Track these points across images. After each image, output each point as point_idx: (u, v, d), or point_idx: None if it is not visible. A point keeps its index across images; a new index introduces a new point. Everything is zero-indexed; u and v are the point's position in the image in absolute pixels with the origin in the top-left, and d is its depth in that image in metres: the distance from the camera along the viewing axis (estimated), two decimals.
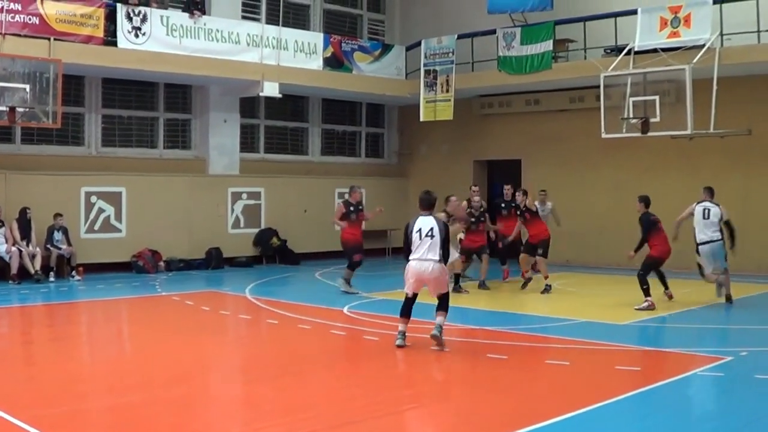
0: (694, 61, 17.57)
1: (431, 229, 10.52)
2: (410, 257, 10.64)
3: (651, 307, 13.97)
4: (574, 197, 20.35)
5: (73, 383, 9.17)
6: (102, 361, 10.72)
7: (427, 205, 10.77)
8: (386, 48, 24.20)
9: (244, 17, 22.01)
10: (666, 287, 15.01)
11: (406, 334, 10.61)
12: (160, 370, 9.72)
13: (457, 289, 15.66)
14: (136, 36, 18.74)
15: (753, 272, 18.27)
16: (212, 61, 19.90)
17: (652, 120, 17.80)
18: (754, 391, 8.65)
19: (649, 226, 14.57)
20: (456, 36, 22.50)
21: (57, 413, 7.82)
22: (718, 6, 18.29)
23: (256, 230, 22.30)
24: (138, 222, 19.92)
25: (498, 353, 10.49)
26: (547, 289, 15.98)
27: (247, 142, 23.16)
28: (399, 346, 10.48)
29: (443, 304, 10.70)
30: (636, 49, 18.97)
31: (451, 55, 22.44)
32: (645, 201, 14.90)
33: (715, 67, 17.65)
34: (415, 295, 10.76)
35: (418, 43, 23.31)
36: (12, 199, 18.08)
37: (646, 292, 14.15)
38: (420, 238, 10.53)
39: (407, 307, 10.70)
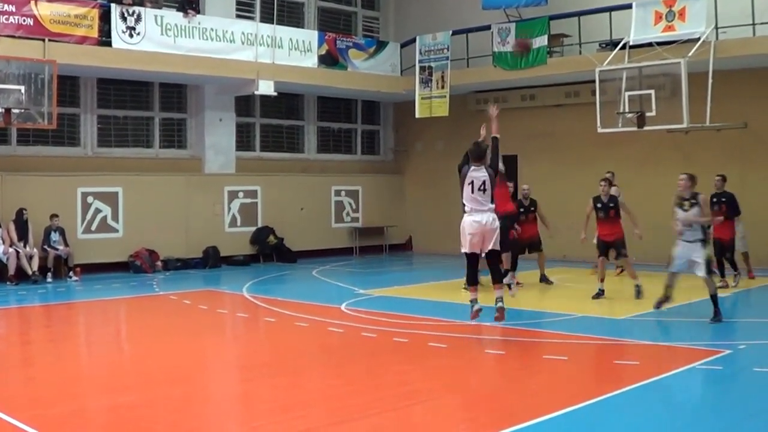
0: (690, 54, 17.58)
1: (483, 182, 10.59)
2: (467, 211, 10.63)
3: (724, 286, 15.13)
4: (569, 192, 20.32)
5: (71, 383, 9.18)
6: (100, 361, 10.71)
7: (477, 156, 10.74)
8: (381, 45, 24.19)
9: (238, 16, 21.99)
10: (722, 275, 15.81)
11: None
12: (159, 370, 9.72)
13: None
14: (131, 36, 18.72)
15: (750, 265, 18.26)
16: (207, 60, 19.88)
17: (647, 114, 17.83)
18: (752, 385, 8.67)
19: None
20: (450, 32, 22.50)
21: (56, 413, 7.81)
22: None
23: (253, 229, 22.30)
24: (135, 222, 19.91)
25: (496, 349, 10.50)
26: (641, 291, 14.39)
27: (243, 141, 23.16)
28: (479, 311, 10.73)
29: (498, 272, 10.91)
30: (631, 44, 18.97)
31: (445, 51, 22.44)
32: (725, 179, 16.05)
33: (710, 60, 17.66)
34: (476, 258, 10.78)
35: (413, 40, 23.30)
36: (8, 201, 18.07)
37: (723, 273, 15.54)
38: (473, 192, 10.58)
39: (474, 274, 10.83)
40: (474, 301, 10.79)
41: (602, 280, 14.63)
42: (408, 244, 25.82)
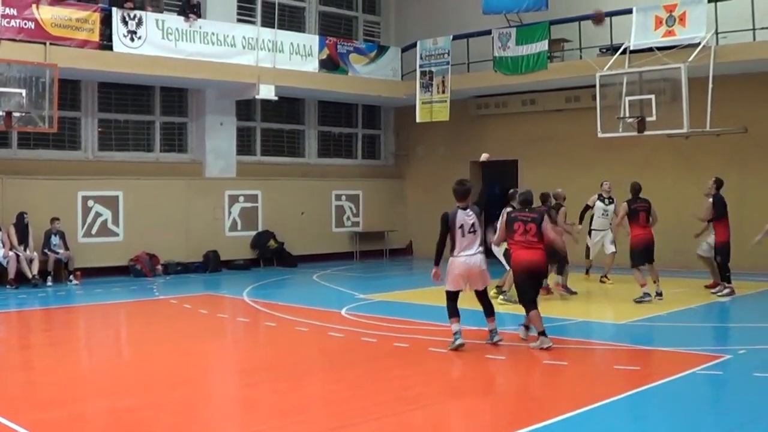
0: (690, 59, 17.58)
1: (473, 224, 10.46)
2: (455, 253, 10.48)
3: (732, 294, 14.98)
4: (570, 196, 20.31)
5: (71, 387, 9.17)
6: (100, 365, 10.71)
7: (462, 195, 10.58)
8: (382, 49, 24.21)
9: (239, 20, 22.01)
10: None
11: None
12: (159, 374, 9.72)
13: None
14: (132, 40, 18.73)
15: (749, 270, 18.26)
16: (208, 64, 19.90)
17: (648, 119, 17.83)
18: (752, 390, 8.65)
19: (723, 208, 15.38)
20: (451, 37, 22.51)
21: (56, 417, 7.81)
22: (713, 4, 18.31)
23: (254, 233, 22.29)
24: (135, 226, 19.91)
25: (496, 353, 10.49)
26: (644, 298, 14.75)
27: (244, 145, 23.16)
28: (461, 346, 10.40)
29: (490, 306, 10.82)
30: (631, 49, 18.98)
31: (446, 56, 22.45)
32: (718, 183, 15.61)
33: (710, 65, 17.66)
34: (458, 294, 10.68)
35: (414, 45, 23.32)
36: (9, 204, 18.07)
37: (728, 279, 15.17)
38: (463, 235, 10.43)
39: (455, 306, 10.63)
40: (457, 335, 10.49)
41: (643, 285, 14.65)
42: (408, 248, 25.82)
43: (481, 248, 10.57)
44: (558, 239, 10.98)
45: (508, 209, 14.87)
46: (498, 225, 14.40)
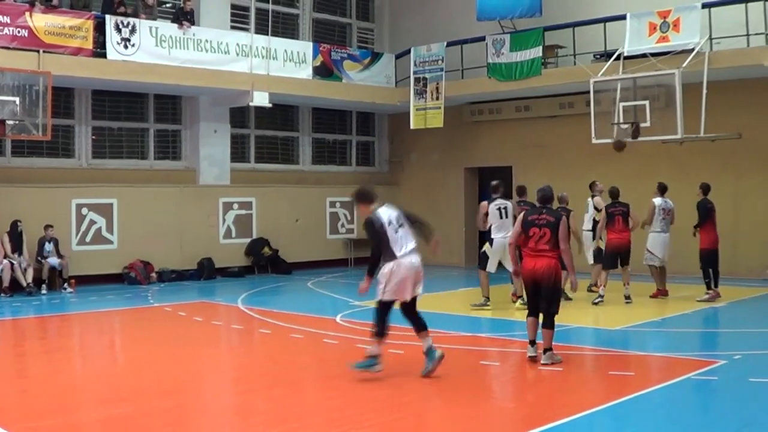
0: (684, 65, 17.62)
1: (397, 216, 9.57)
2: (399, 254, 9.38)
3: (713, 299, 15.04)
4: None
5: (66, 395, 9.15)
6: (95, 373, 10.67)
7: (369, 198, 9.79)
8: (376, 56, 24.22)
9: (233, 27, 21.98)
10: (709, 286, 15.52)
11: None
12: (153, 382, 9.70)
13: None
14: (126, 47, 18.72)
15: (744, 276, 18.30)
16: (202, 71, 19.88)
17: (642, 125, 17.86)
18: (747, 395, 8.65)
19: (707, 213, 15.49)
20: (445, 43, 22.55)
21: (50, 425, 7.79)
22: (707, 10, 18.36)
23: (248, 240, 22.26)
24: (129, 233, 19.86)
25: (491, 360, 10.47)
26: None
27: (238, 152, 23.14)
28: (378, 371, 9.42)
29: (420, 321, 9.65)
30: (625, 54, 19.03)
31: (440, 62, 22.48)
32: (704, 188, 15.84)
33: (704, 71, 17.70)
34: (391, 307, 9.56)
35: (408, 51, 23.34)
36: (3, 212, 18.01)
37: (708, 285, 15.25)
38: (396, 231, 9.45)
39: (386, 324, 9.52)
40: (377, 358, 9.43)
41: (602, 286, 15.35)
42: None
43: (415, 244, 9.55)
44: (567, 253, 9.95)
45: (516, 201, 14.88)
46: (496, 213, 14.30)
